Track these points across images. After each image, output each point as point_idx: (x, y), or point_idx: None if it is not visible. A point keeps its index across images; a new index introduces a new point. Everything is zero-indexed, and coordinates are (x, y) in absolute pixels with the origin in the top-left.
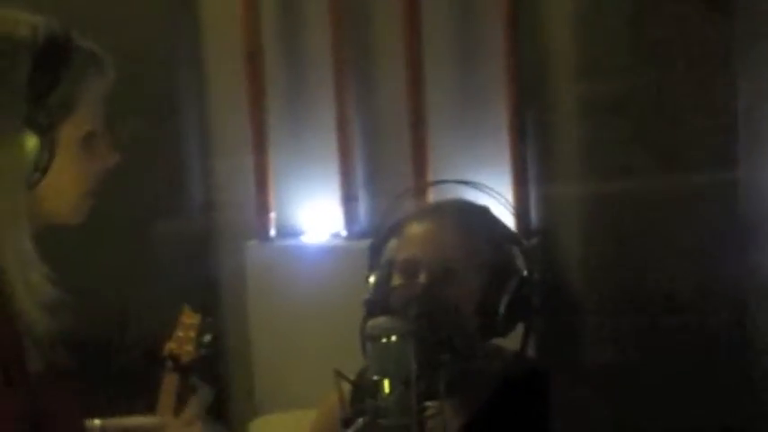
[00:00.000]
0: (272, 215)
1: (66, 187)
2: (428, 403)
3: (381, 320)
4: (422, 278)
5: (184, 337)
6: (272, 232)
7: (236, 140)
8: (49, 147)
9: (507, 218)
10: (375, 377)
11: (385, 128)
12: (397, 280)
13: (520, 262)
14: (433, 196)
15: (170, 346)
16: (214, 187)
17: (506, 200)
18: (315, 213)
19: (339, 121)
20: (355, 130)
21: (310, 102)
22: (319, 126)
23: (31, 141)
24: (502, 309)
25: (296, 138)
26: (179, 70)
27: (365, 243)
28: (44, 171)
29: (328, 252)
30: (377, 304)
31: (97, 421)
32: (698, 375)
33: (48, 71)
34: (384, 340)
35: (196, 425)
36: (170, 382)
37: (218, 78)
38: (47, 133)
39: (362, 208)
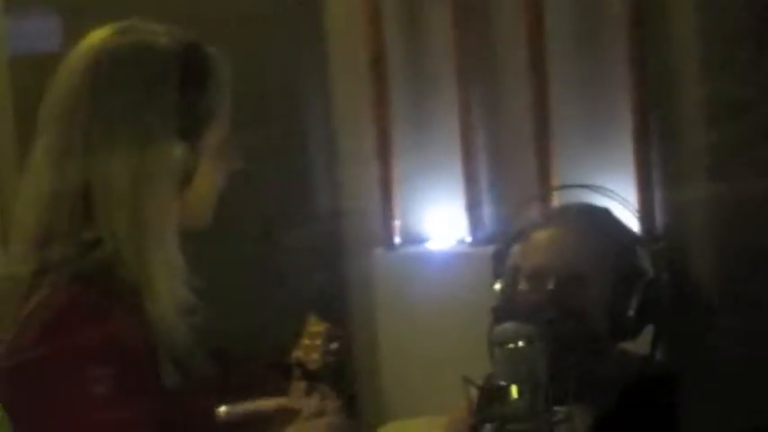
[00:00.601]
0: (397, 222)
1: (205, 193)
2: (556, 408)
3: (509, 326)
4: (549, 284)
5: (311, 345)
6: (398, 239)
7: (360, 148)
8: (195, 154)
9: (632, 222)
10: (503, 383)
11: (509, 133)
12: (523, 286)
13: (647, 264)
14: (557, 201)
15: (297, 354)
16: (340, 195)
17: (631, 204)
18: (439, 220)
19: (463, 127)
20: (479, 135)
21: (434, 108)
22: (443, 132)
23: (180, 149)
24: (631, 312)
25: (420, 144)
26: (304, 79)
27: (490, 249)
28: (190, 178)
29: (454, 258)
30: (504, 310)
31: (222, 408)
32: None
33: (194, 79)
34: (512, 345)
35: (326, 415)
36: (297, 390)
37: (343, 86)
38: (194, 141)
39: (487, 214)
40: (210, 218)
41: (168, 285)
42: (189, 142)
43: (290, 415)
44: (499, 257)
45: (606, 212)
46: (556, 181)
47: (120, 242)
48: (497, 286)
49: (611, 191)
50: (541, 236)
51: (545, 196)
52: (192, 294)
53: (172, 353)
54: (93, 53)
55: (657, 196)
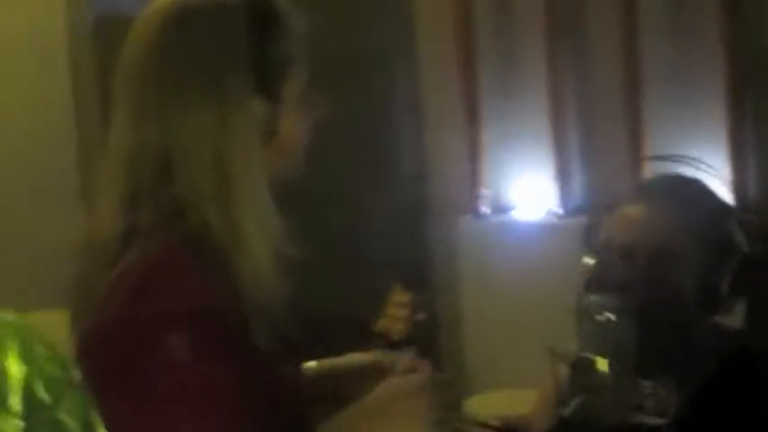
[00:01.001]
0: (485, 190)
1: (291, 146)
2: (644, 382)
3: (599, 298)
4: (640, 259)
5: (396, 315)
6: (485, 208)
7: (449, 115)
8: (276, 107)
9: (725, 195)
10: (590, 355)
11: (600, 102)
12: (614, 260)
13: (740, 238)
14: (649, 172)
15: (382, 324)
16: (427, 161)
17: (724, 176)
18: (528, 189)
19: (553, 95)
20: (570, 104)
21: (523, 76)
22: (533, 100)
23: (259, 103)
24: (724, 286)
25: (509, 112)
26: (392, 44)
27: (580, 220)
28: (274, 132)
29: (542, 229)
30: (594, 282)
31: (312, 363)
32: None
33: (267, 30)
34: (599, 318)
35: (418, 374)
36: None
37: (431, 52)
38: (273, 94)
39: (577, 184)
40: (299, 170)
41: (262, 243)
42: (268, 95)
43: (380, 372)
44: (591, 230)
45: (699, 184)
46: (647, 152)
47: (207, 204)
48: (588, 259)
49: (705, 163)
50: (633, 210)
51: (636, 167)
52: (287, 251)
53: (264, 313)
54: (163, 11)
55: (750, 170)
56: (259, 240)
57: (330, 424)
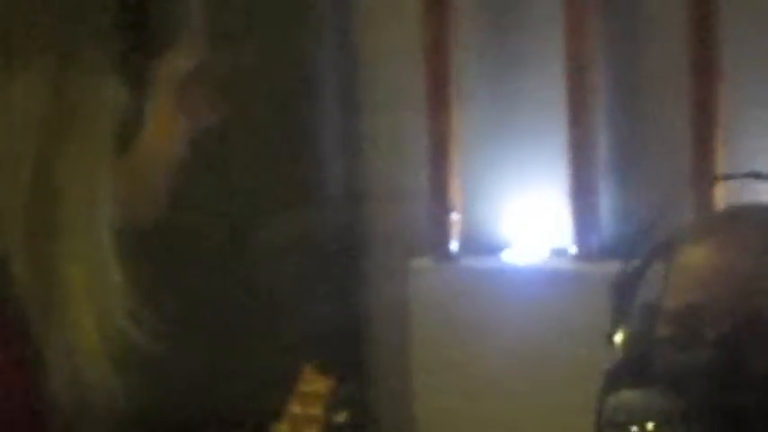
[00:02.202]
0: (456, 218)
1: (155, 160)
2: None
3: (633, 397)
4: (711, 334)
5: (303, 416)
6: (455, 246)
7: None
8: (138, 96)
9: None
10: None
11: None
12: (664, 335)
13: None
14: (722, 199)
15: (281, 429)
16: (364, 176)
17: None
18: (523, 218)
19: (571, 76)
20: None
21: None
22: (535, 81)
23: (113, 86)
24: None
25: (495, 97)
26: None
27: (605, 267)
28: (132, 134)
29: (546, 278)
30: (628, 372)
31: None
32: None
33: None
34: (635, 429)
35: None
36: None
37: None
38: (136, 77)
39: (604, 212)
40: (162, 205)
41: (89, 309)
42: (128, 78)
43: None
44: (624, 288)
45: None
46: (720, 168)
47: (9, 237)
48: (618, 337)
49: None
50: (699, 255)
51: (703, 192)
52: (135, 330)
53: (84, 419)
54: None
55: None
56: (84, 305)
57: None
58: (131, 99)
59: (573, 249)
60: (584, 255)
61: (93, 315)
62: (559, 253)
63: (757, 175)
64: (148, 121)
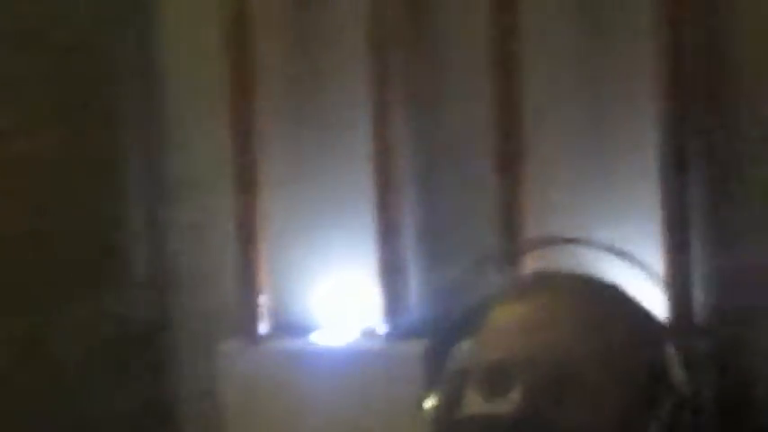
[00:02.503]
0: (263, 300)
1: None
2: None
3: None
4: (514, 395)
5: None
6: (264, 328)
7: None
8: None
9: (658, 302)
10: None
11: (454, 159)
12: (472, 402)
13: (678, 372)
14: (532, 267)
15: None
16: (164, 257)
17: (653, 271)
18: (333, 300)
19: (378, 150)
20: (404, 159)
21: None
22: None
23: None
24: None
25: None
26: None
27: (416, 346)
28: None
29: (356, 358)
30: None
31: None
32: None
33: None
34: None
35: None
36: None
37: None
38: None
39: (413, 289)
40: None
41: None
42: None
43: None
44: (437, 357)
45: (612, 288)
46: (531, 232)
47: None
48: (430, 401)
49: (623, 251)
50: (505, 317)
51: (513, 256)
52: None
53: None
54: None
55: (699, 265)
56: None
57: None
58: None
59: (382, 329)
60: (394, 334)
61: None
62: (369, 333)
63: (572, 241)
64: None
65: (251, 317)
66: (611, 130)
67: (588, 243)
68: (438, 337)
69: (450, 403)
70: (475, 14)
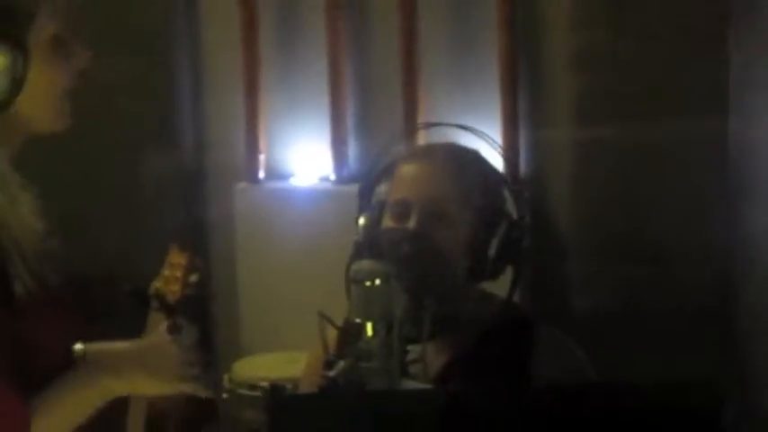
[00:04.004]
0: (262, 157)
1: (43, 91)
2: (410, 347)
3: (366, 263)
4: (412, 220)
5: (171, 277)
6: (262, 174)
7: (227, 82)
8: (20, 56)
9: (498, 162)
10: (358, 320)
11: (377, 72)
12: (387, 222)
13: (510, 206)
14: (424, 140)
15: (156, 285)
16: (205, 127)
17: (497, 144)
18: (305, 156)
19: (331, 64)
20: (347, 73)
21: (302, 44)
22: (311, 69)
23: (1, 56)
24: (491, 252)
25: (288, 80)
26: (173, 10)
27: (354, 187)
28: (21, 81)
29: (318, 195)
30: (365, 247)
31: (78, 345)
32: (682, 326)
33: None
34: (368, 283)
35: (172, 345)
36: (155, 321)
37: (212, 19)
38: (15, 42)
39: (353, 152)
40: (65, 117)
41: (2, 193)
42: (8, 44)
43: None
44: (365, 192)
45: (473, 152)
46: (423, 120)
47: None
48: (361, 221)
49: (479, 131)
50: (406, 171)
51: (412, 134)
52: (37, 201)
53: (22, 260)
54: None
55: (523, 140)
56: (1, 190)
57: (94, 357)
58: (11, 55)
59: (333, 176)
60: (340, 180)
61: (5, 197)
62: (324, 178)
63: (448, 124)
64: (31, 68)
65: (255, 167)
66: None
67: (458, 125)
68: (366, 181)
69: (373, 222)
70: None
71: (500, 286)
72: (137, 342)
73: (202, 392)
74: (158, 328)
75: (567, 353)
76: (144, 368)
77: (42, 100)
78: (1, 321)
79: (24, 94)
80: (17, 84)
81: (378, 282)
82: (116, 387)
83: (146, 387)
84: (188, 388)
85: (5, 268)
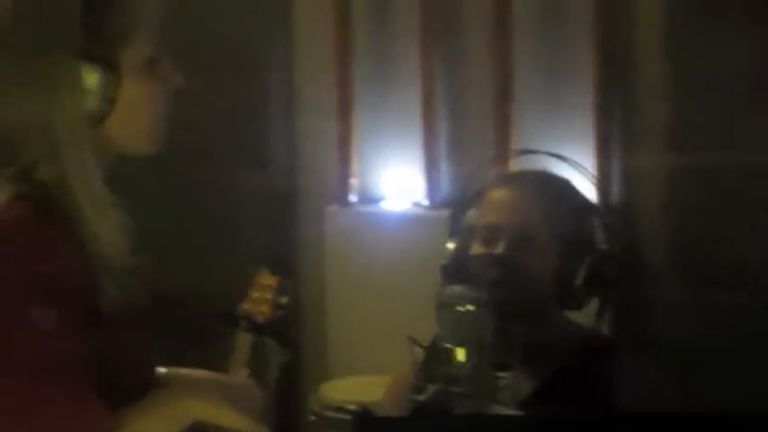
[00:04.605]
0: (354, 180)
1: (136, 113)
2: (500, 374)
3: (457, 288)
4: (500, 246)
5: (260, 298)
6: (353, 197)
7: (321, 104)
8: (112, 76)
9: (589, 191)
10: (448, 345)
11: (470, 98)
12: (475, 248)
13: (599, 235)
14: (516, 166)
15: (245, 307)
16: (297, 149)
17: (589, 172)
18: (396, 180)
19: (424, 88)
20: (440, 98)
21: (396, 68)
22: (404, 93)
23: (94, 74)
24: (579, 281)
25: (381, 104)
26: (269, 31)
27: (445, 212)
28: (112, 101)
29: (408, 220)
30: (454, 271)
31: (162, 369)
32: None
33: (94, 1)
34: (459, 308)
35: (257, 388)
36: (243, 342)
37: (307, 41)
38: (108, 63)
39: (445, 177)
40: (156, 140)
41: (94, 212)
42: (101, 64)
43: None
44: (455, 217)
45: (564, 180)
46: (515, 146)
47: (43, 171)
48: (450, 245)
49: (570, 159)
50: (496, 196)
51: (503, 160)
52: (126, 222)
53: (112, 279)
54: None
55: (615, 169)
56: (90, 209)
57: (179, 381)
58: (105, 81)
59: (425, 201)
60: (431, 205)
61: (92, 212)
62: (416, 203)
63: (540, 152)
64: (125, 89)
65: (346, 191)
66: None
67: (550, 153)
68: (457, 206)
69: (462, 247)
70: None
71: (587, 313)
72: (222, 375)
73: None
74: (241, 372)
75: (654, 382)
76: (228, 399)
77: (135, 121)
78: (88, 335)
79: (117, 115)
80: (108, 103)
81: (469, 307)
82: (200, 412)
83: (229, 418)
84: None
85: (94, 284)
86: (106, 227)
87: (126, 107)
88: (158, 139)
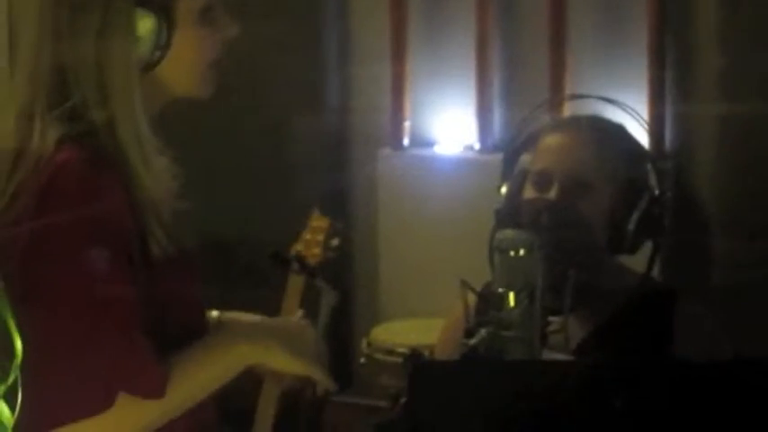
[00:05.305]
0: (407, 123)
1: (189, 59)
2: (552, 318)
3: (510, 233)
4: (553, 191)
5: (312, 240)
6: (406, 141)
7: (374, 47)
8: (166, 23)
9: (642, 137)
10: (500, 289)
11: (524, 42)
12: (528, 192)
13: (652, 180)
14: (569, 111)
15: (297, 248)
16: (350, 93)
17: (642, 118)
18: (449, 124)
19: (479, 32)
20: (494, 42)
21: (451, 12)
22: (459, 37)
23: (148, 21)
24: (631, 226)
25: (435, 47)
26: None
27: (498, 156)
28: (166, 47)
29: (461, 163)
30: (507, 216)
31: (215, 312)
32: None
33: None
34: (512, 253)
35: (310, 329)
36: (295, 284)
37: None
38: (164, 10)
39: (497, 121)
40: (209, 85)
41: (140, 155)
42: (156, 11)
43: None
44: (508, 161)
45: (617, 125)
46: (569, 91)
47: (92, 114)
48: (504, 189)
49: (624, 104)
50: (550, 141)
51: (557, 105)
52: (174, 167)
53: (161, 225)
54: None
55: (669, 115)
56: (136, 152)
57: (231, 325)
58: (157, 24)
59: (477, 145)
60: (484, 148)
61: (139, 155)
62: (469, 147)
63: (594, 97)
64: (177, 36)
65: (399, 134)
66: None
67: (604, 98)
68: (510, 151)
69: (515, 192)
70: None
71: (637, 260)
72: (274, 318)
73: (329, 384)
74: (295, 315)
75: (707, 328)
76: (282, 342)
77: (187, 67)
78: (138, 280)
79: (169, 60)
80: (161, 50)
81: (522, 251)
82: (253, 355)
83: (282, 361)
84: (318, 374)
85: (142, 229)
86: (152, 172)
87: (179, 54)
88: (211, 83)
